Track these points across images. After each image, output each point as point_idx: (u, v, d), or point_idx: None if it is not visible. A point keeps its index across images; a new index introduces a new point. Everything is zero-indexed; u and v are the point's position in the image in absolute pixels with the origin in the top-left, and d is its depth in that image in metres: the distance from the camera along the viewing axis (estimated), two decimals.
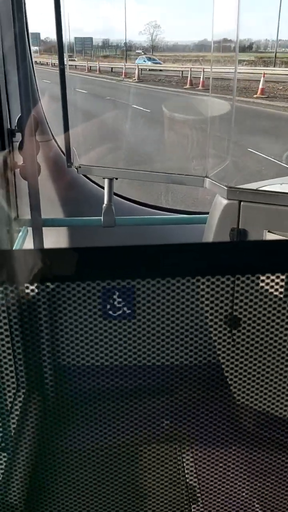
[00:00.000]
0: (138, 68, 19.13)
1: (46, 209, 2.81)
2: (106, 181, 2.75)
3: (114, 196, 2.84)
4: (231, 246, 0.91)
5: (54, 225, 2.93)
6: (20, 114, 2.57)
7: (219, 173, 2.44)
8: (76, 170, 2.75)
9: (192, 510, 2.03)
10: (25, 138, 2.55)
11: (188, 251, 0.81)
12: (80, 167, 2.73)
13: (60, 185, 2.99)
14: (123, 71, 19.95)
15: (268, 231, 2.14)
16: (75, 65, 20.93)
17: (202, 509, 2.00)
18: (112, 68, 21.65)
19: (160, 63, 21.22)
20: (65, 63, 2.52)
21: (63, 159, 2.81)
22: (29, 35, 2.65)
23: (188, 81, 17.83)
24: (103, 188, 2.85)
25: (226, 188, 2.24)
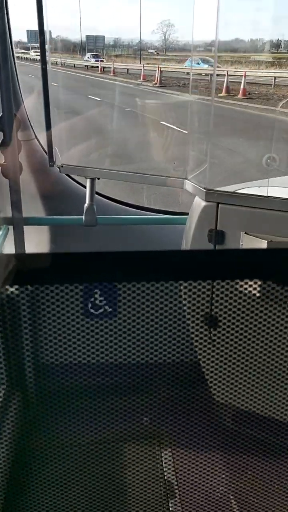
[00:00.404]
0: (160, 70, 16.54)
1: (28, 207, 2.81)
2: (88, 180, 2.76)
3: (96, 196, 2.85)
4: (212, 253, 0.95)
5: (35, 224, 2.93)
6: (1, 113, 2.56)
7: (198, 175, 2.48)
8: (58, 169, 2.76)
9: (170, 505, 2.06)
10: (7, 137, 2.55)
11: (173, 257, 0.84)
12: (62, 166, 2.74)
13: (41, 184, 2.99)
14: (142, 74, 17.63)
15: (245, 233, 2.18)
16: (87, 66, 19.60)
17: (179, 505, 2.03)
18: (128, 69, 19.59)
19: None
20: (47, 62, 2.52)
21: (45, 158, 2.82)
22: (11, 35, 2.65)
23: (224, 88, 14.74)
24: (85, 187, 2.86)
25: (204, 190, 2.27)
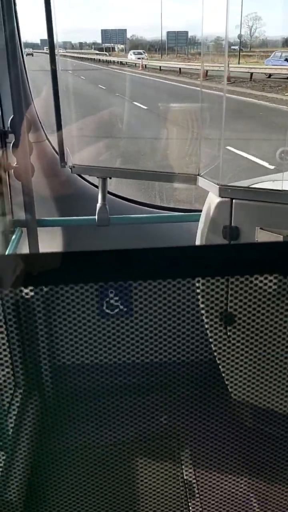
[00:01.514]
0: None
1: (40, 209, 2.82)
2: (100, 180, 2.76)
3: (108, 195, 2.85)
4: (229, 248, 0.93)
5: (49, 225, 2.93)
6: (12, 115, 2.57)
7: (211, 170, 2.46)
8: (70, 170, 2.76)
9: (190, 505, 2.05)
10: (18, 139, 2.56)
11: (189, 253, 0.83)
12: (74, 167, 2.74)
13: (54, 185, 2.99)
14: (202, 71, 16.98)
15: (261, 229, 2.15)
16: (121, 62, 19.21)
17: (199, 505, 2.02)
18: (207, 71, 18.82)
19: None
20: (56, 63, 2.52)
21: (56, 159, 2.82)
22: (20, 35, 2.66)
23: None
24: (97, 187, 2.86)
25: (218, 186, 2.25)
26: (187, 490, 2.08)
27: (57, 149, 2.76)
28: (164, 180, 2.72)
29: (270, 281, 0.84)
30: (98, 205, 2.77)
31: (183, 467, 1.99)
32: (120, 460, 1.31)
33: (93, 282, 0.84)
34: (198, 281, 0.86)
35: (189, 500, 2.07)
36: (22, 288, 0.83)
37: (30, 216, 2.72)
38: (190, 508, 2.05)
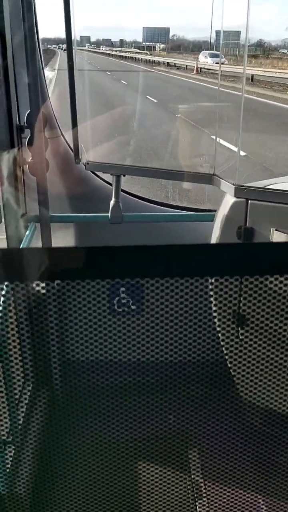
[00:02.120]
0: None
1: (54, 205, 2.83)
2: (113, 177, 2.76)
3: (122, 193, 2.85)
4: (241, 247, 0.92)
5: (62, 221, 2.94)
6: (29, 110, 2.58)
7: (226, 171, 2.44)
8: (84, 166, 2.76)
9: (197, 506, 2.04)
10: (34, 135, 2.56)
11: (198, 251, 0.82)
12: (88, 163, 2.74)
13: (68, 182, 3.00)
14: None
15: (276, 230, 2.14)
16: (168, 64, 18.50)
17: (207, 505, 2.01)
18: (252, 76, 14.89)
19: None
20: (74, 59, 2.52)
21: (71, 156, 2.82)
22: (39, 32, 2.66)
23: None
24: (110, 184, 2.86)
25: (233, 186, 2.24)
26: (194, 490, 2.07)
27: (71, 145, 2.76)
28: (179, 179, 2.71)
29: (281, 282, 0.83)
30: (112, 202, 2.77)
31: (190, 467, 1.99)
32: (128, 458, 1.31)
33: (99, 278, 0.83)
34: (207, 280, 0.85)
35: (196, 500, 2.07)
36: (36, 282, 0.83)
37: (44, 212, 2.73)
38: (198, 508, 2.04)
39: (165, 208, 3.21)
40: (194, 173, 2.60)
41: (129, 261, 0.82)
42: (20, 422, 1.79)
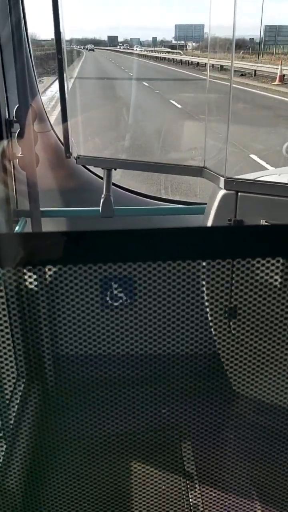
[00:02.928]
0: None
1: (45, 199, 2.81)
2: (104, 171, 2.75)
3: (113, 187, 2.84)
4: (232, 230, 0.92)
5: (53, 216, 2.93)
6: (17, 105, 2.56)
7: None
8: (75, 160, 2.75)
9: (190, 497, 2.06)
10: (24, 129, 2.55)
11: (189, 235, 0.82)
12: (79, 157, 2.73)
13: (58, 176, 2.99)
14: None
15: (265, 222, 2.14)
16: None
17: (199, 496, 2.02)
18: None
19: None
20: (63, 53, 2.50)
21: (61, 150, 2.81)
22: (27, 24, 2.64)
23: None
24: (101, 178, 2.85)
25: (223, 178, 2.24)
26: (187, 481, 2.08)
27: (62, 139, 2.75)
28: (169, 172, 2.70)
29: (273, 264, 0.83)
30: (103, 196, 2.76)
31: (184, 458, 2.00)
32: (121, 451, 1.31)
33: (91, 263, 0.82)
34: (199, 264, 0.85)
35: (189, 492, 2.08)
36: (27, 268, 0.82)
37: (34, 206, 2.72)
38: (191, 499, 2.06)
39: (156, 201, 3.21)
40: (184, 165, 2.60)
41: (121, 245, 0.81)
42: (12, 417, 1.78)
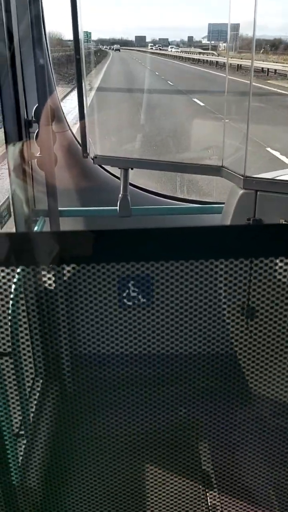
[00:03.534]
0: None
1: (61, 199, 2.83)
2: (121, 171, 2.76)
3: (130, 186, 2.84)
4: (250, 229, 0.91)
5: (71, 215, 2.95)
6: (37, 105, 2.57)
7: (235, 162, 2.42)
8: (92, 160, 2.76)
9: (208, 497, 2.05)
10: (42, 129, 2.56)
11: (207, 234, 0.81)
12: (96, 157, 2.73)
13: (75, 175, 3.00)
14: None
15: (285, 221, 2.12)
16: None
17: (218, 497, 2.01)
18: None
19: None
20: (81, 53, 2.51)
21: (78, 150, 2.82)
22: (45, 26, 2.65)
23: None
24: (118, 178, 2.86)
25: (242, 177, 2.22)
26: (205, 482, 2.08)
27: (79, 139, 2.76)
28: (187, 171, 2.70)
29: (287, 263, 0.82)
30: (120, 196, 2.77)
31: (201, 458, 1.99)
32: (138, 451, 1.31)
33: (105, 262, 0.82)
34: (211, 263, 0.84)
35: (207, 492, 2.07)
36: (42, 267, 0.83)
37: (53, 206, 2.74)
38: (208, 499, 2.05)
39: (173, 201, 3.20)
40: (202, 165, 2.59)
41: (138, 244, 0.81)
42: (31, 415, 1.80)
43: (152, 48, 26.90)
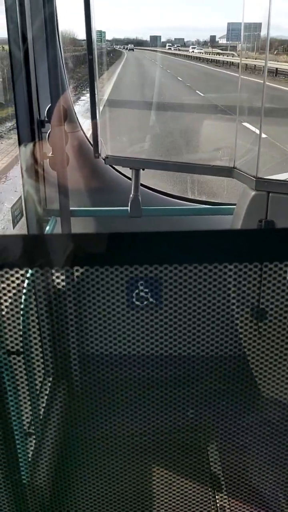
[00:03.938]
0: None
1: (73, 199, 2.84)
2: (133, 171, 2.76)
3: (141, 187, 2.85)
4: (259, 233, 0.91)
5: (82, 215, 2.95)
6: (50, 105, 2.58)
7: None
8: (103, 160, 2.76)
9: (217, 499, 2.05)
10: (54, 129, 2.57)
11: (217, 237, 0.81)
12: (107, 157, 2.74)
13: (86, 175, 3.01)
14: None
15: None
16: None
17: (226, 499, 2.01)
18: None
19: None
20: (94, 53, 2.52)
21: (90, 150, 2.83)
22: (59, 26, 2.66)
23: None
24: (129, 179, 2.86)
25: (254, 179, 2.21)
26: (214, 484, 2.07)
27: (91, 139, 2.76)
28: (198, 172, 2.69)
29: None
30: (131, 196, 2.77)
31: (210, 460, 1.99)
32: (146, 452, 1.32)
33: (122, 264, 0.82)
34: (225, 267, 0.84)
35: (216, 494, 2.07)
36: (55, 268, 0.83)
37: (64, 206, 2.75)
38: (217, 501, 2.04)
39: (184, 202, 3.20)
40: (213, 166, 2.58)
41: (147, 247, 0.81)
42: (41, 414, 1.81)
43: (170, 49, 25.16)
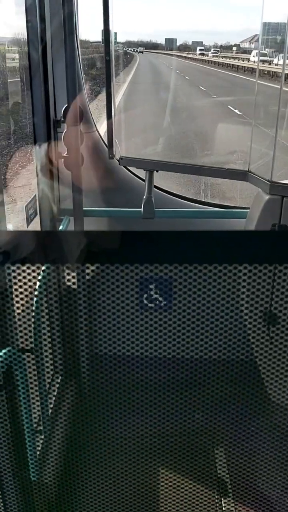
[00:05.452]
0: None
1: (86, 199, 2.85)
2: (146, 173, 2.76)
3: (154, 189, 2.85)
4: (270, 234, 0.90)
5: (95, 216, 2.96)
6: (66, 105, 2.59)
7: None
8: (117, 161, 2.77)
9: (223, 504, 2.03)
10: (70, 129, 2.58)
11: (229, 238, 0.81)
12: (121, 158, 2.75)
13: (100, 176, 3.02)
14: None
15: None
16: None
17: (232, 503, 2.00)
18: None
19: None
20: (111, 55, 2.53)
21: (104, 150, 2.84)
22: (78, 29, 2.67)
23: None
24: (143, 180, 2.86)
25: (268, 183, 2.21)
26: (220, 487, 2.06)
27: (105, 140, 2.77)
28: (212, 175, 2.69)
29: None
30: (144, 198, 2.77)
31: (217, 464, 1.98)
32: (154, 453, 1.31)
33: (132, 263, 0.82)
34: (236, 268, 0.83)
35: (222, 498, 2.06)
36: (66, 265, 0.83)
37: (78, 206, 2.76)
38: (223, 506, 2.03)
39: (197, 204, 3.19)
40: (227, 169, 2.57)
41: (158, 246, 0.81)
42: (50, 412, 1.81)
43: (202, 54, 21.71)
